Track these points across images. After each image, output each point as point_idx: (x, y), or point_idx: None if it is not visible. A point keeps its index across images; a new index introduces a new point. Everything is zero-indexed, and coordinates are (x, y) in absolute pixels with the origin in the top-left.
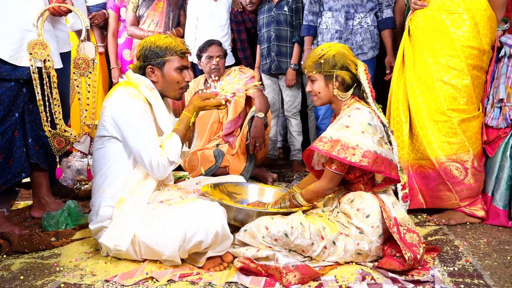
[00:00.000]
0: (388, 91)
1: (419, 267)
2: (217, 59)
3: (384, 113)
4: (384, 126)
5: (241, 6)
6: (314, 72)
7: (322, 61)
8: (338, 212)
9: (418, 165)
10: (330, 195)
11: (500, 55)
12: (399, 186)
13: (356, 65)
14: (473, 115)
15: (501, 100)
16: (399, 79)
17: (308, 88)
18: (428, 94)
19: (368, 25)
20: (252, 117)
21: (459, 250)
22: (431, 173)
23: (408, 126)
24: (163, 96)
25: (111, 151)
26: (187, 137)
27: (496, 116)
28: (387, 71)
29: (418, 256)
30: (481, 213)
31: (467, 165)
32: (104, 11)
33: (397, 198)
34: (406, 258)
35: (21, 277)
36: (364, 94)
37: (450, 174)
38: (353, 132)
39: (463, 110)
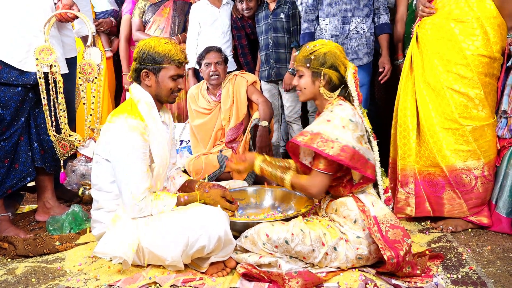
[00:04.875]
0: (395, 96)
1: (422, 275)
2: (216, 65)
3: (391, 118)
4: (366, 131)
5: (240, 13)
6: (303, 66)
7: (312, 57)
8: (330, 220)
9: (427, 172)
10: (316, 201)
11: (508, 65)
12: (381, 189)
13: (346, 67)
14: (487, 123)
15: (504, 112)
16: (407, 85)
17: (294, 82)
18: (438, 102)
19: (364, 31)
20: (255, 125)
21: (463, 258)
22: (441, 180)
23: (415, 133)
24: (159, 100)
25: (107, 171)
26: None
27: (503, 126)
28: (380, 69)
29: (402, 253)
30: (486, 221)
31: (476, 173)
32: (112, 18)
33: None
34: (386, 258)
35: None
36: (351, 98)
37: (460, 182)
38: (333, 126)
39: (476, 117)
